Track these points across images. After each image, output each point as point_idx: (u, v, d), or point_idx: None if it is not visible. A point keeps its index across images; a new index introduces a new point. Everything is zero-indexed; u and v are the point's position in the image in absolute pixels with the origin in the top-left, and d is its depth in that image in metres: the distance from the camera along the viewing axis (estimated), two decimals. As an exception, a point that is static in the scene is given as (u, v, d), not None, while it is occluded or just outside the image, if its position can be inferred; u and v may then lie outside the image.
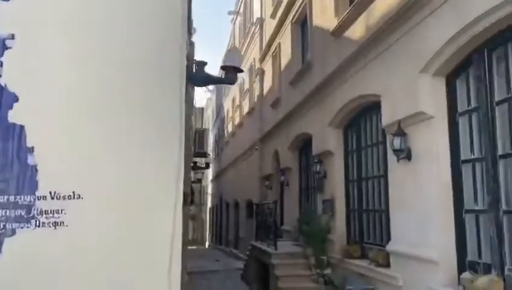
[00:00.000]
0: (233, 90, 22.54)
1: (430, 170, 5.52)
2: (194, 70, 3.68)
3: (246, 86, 19.33)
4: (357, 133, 8.42)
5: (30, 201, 2.47)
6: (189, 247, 13.83)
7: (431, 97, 5.56)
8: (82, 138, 2.61)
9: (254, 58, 17.56)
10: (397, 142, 5.92)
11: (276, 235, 9.85)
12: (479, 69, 5.00)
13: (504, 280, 4.43)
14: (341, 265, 8.02)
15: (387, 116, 6.50)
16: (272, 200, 11.56)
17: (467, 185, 5.23)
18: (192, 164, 17.01)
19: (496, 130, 4.80)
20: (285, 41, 12.96)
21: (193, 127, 14.53)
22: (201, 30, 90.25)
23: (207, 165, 25.78)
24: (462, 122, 5.36)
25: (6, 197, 2.45)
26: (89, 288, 2.50)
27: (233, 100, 23.04)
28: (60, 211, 2.49)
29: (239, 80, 19.01)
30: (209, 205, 33.41)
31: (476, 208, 5.07)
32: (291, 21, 12.39)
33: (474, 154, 5.15)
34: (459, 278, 4.93)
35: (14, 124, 2.51)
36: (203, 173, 28.00)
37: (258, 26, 17.02)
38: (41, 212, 2.47)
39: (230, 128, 23.68)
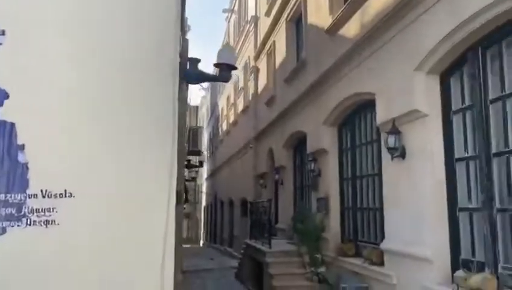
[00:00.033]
0: (228, 89, 22.50)
1: (424, 168, 5.53)
2: (187, 68, 3.66)
3: (241, 84, 19.29)
4: (351, 131, 8.42)
5: (21, 199, 2.44)
6: (183, 245, 13.79)
7: (425, 95, 5.57)
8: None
9: (249, 57, 17.52)
10: (391, 140, 5.93)
11: (270, 234, 9.82)
12: (473, 67, 5.01)
13: (497, 278, 4.44)
14: (335, 263, 8.02)
15: (382, 114, 6.50)
16: (266, 199, 11.55)
17: (460, 183, 5.24)
18: (186, 162, 16.96)
19: (490, 128, 4.81)
20: (280, 39, 12.94)
21: (187, 125, 14.49)
22: (196, 28, 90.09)
23: (201, 164, 25.76)
24: (456, 120, 5.37)
25: (-5, 195, 2.42)
26: (80, 287, 2.48)
27: (228, 98, 23.00)
28: (51, 210, 2.46)
29: (233, 78, 18.97)
30: (203, 203, 33.35)
31: (470, 206, 5.08)
32: (286, 19, 12.37)
33: (468, 153, 5.16)
34: (452, 276, 4.93)
35: (4, 122, 2.48)
36: (197, 171, 27.97)
37: (253, 24, 16.97)
38: (32, 211, 2.44)
39: (224, 126, 23.62)
